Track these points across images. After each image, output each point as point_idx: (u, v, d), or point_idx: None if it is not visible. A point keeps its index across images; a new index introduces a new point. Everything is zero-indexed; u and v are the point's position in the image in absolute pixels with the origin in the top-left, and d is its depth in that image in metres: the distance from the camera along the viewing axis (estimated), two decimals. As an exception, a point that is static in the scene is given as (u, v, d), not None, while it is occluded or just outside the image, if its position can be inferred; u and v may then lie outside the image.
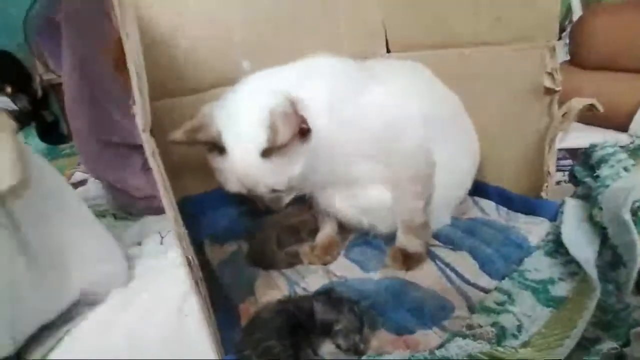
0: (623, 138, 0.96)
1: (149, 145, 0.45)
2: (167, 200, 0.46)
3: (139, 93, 0.45)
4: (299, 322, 0.52)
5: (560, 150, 0.80)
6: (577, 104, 0.69)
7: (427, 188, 0.66)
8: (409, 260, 0.67)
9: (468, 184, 0.77)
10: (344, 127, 0.60)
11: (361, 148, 0.62)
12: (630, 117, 1.03)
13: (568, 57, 1.24)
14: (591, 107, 0.69)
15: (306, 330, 0.51)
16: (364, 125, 0.61)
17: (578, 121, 0.73)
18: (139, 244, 0.86)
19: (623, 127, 1.04)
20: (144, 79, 0.46)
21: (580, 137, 0.90)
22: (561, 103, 0.70)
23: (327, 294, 0.56)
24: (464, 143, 0.75)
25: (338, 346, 0.49)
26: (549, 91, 0.70)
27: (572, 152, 0.98)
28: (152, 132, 0.47)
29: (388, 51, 0.87)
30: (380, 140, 0.62)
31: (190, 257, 0.47)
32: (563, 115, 0.70)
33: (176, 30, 0.76)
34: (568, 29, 1.38)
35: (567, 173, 0.81)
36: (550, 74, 0.69)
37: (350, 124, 0.60)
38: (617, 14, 1.13)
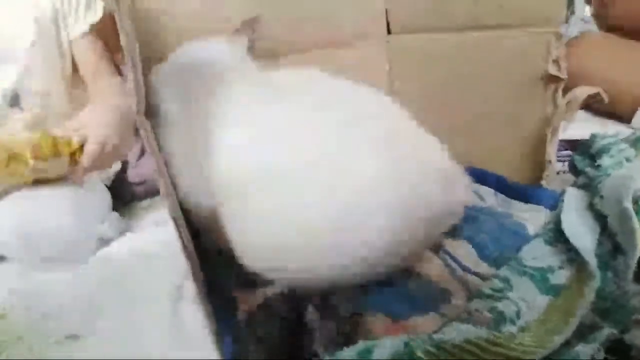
0: (623, 130, 0.96)
1: (143, 128, 0.44)
2: (163, 182, 0.45)
3: (133, 73, 0.44)
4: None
5: (559, 141, 0.79)
6: (581, 93, 0.68)
7: None
8: None
9: None
10: None
11: None
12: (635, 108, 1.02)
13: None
14: (596, 96, 0.68)
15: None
16: None
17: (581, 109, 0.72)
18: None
19: (628, 117, 1.03)
20: (137, 59, 0.45)
21: (579, 128, 0.89)
22: (567, 89, 0.69)
23: (323, 299, 0.53)
24: None
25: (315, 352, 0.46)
26: (554, 79, 0.69)
27: (571, 144, 0.98)
28: (147, 114, 0.46)
29: (389, 32, 0.86)
30: None
31: (184, 239, 0.47)
32: (567, 104, 0.69)
33: (170, 5, 0.74)
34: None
35: (566, 163, 0.81)
36: (556, 61, 0.68)
37: None
38: None
